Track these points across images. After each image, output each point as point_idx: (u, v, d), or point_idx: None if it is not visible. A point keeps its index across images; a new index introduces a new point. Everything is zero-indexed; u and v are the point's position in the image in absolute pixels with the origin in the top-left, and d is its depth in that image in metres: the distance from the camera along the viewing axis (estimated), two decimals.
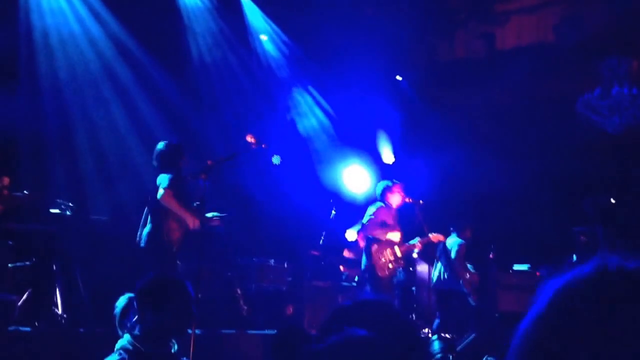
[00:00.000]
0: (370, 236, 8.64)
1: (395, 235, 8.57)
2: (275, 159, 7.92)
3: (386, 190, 8.77)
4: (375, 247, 8.55)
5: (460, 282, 9.57)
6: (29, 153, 9.11)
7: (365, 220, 8.67)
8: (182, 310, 3.77)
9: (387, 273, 8.49)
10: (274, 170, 11.00)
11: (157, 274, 5.44)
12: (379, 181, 9.36)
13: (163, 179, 7.00)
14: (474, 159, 11.71)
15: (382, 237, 8.52)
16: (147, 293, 3.83)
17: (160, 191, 6.91)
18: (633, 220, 10.42)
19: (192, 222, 7.07)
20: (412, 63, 12.26)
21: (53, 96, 9.61)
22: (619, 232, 10.24)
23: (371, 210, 8.69)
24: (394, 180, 8.91)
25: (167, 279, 4.11)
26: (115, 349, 3.81)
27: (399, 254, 8.60)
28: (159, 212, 7.02)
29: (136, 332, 3.83)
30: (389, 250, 8.52)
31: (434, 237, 8.96)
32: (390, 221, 8.66)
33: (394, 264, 8.52)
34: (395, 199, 8.74)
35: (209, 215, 7.30)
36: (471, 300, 9.57)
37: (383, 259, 8.48)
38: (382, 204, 8.73)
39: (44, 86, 9.63)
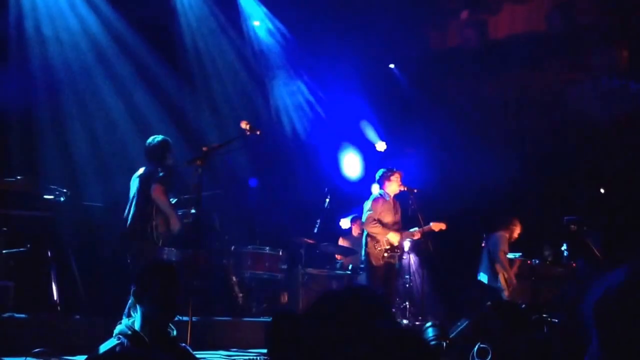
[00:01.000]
0: (366, 231, 8.66)
1: (394, 237, 8.55)
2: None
3: (384, 177, 8.74)
4: (370, 237, 8.57)
5: (498, 277, 9.72)
6: (22, 139, 9.05)
7: (364, 218, 8.67)
8: (170, 295, 3.85)
9: (381, 262, 8.50)
10: (269, 157, 11.02)
11: (149, 262, 5.51)
12: (371, 168, 9.28)
13: (153, 174, 6.99)
14: (466, 148, 11.75)
15: (380, 237, 8.51)
16: (139, 280, 3.94)
17: (153, 185, 6.90)
18: (624, 210, 10.50)
19: (175, 223, 7.02)
20: (404, 51, 12.24)
21: (45, 82, 9.53)
22: (610, 223, 10.32)
23: (368, 205, 8.68)
24: (392, 169, 8.83)
25: (156, 266, 4.24)
26: (113, 334, 3.85)
27: (395, 243, 8.59)
28: (149, 204, 6.96)
29: (133, 317, 3.89)
30: (384, 240, 8.53)
31: (435, 225, 8.91)
32: (388, 216, 8.62)
33: (389, 252, 8.51)
34: (392, 187, 8.69)
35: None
36: (504, 296, 9.68)
37: (378, 248, 8.48)
38: (377, 195, 8.72)
39: (36, 72, 9.55)
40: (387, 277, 8.53)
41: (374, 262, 8.48)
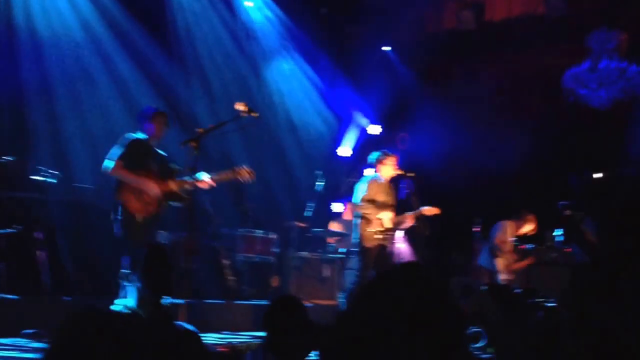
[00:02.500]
0: (359, 213, 8.55)
1: (386, 217, 8.39)
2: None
3: (377, 161, 8.57)
4: (362, 218, 8.49)
5: (494, 261, 9.76)
6: (11, 120, 8.96)
7: (356, 199, 8.57)
8: (161, 274, 4.00)
9: (374, 243, 8.42)
10: (263, 139, 10.96)
11: (148, 244, 5.51)
12: (367, 150, 9.10)
13: (112, 151, 6.82)
14: (461, 132, 11.70)
15: (371, 217, 8.36)
16: (131, 260, 4.01)
17: (105, 164, 6.75)
18: (618, 194, 10.49)
19: (149, 188, 6.74)
20: (400, 34, 12.15)
21: (35, 63, 9.43)
22: (602, 207, 10.32)
23: (359, 186, 8.56)
24: (387, 152, 8.66)
25: (150, 248, 4.25)
26: None
27: (386, 224, 8.43)
28: (115, 183, 6.77)
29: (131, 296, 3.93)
30: (376, 222, 8.43)
31: (427, 210, 8.78)
32: (381, 197, 8.48)
33: (382, 233, 8.43)
34: (386, 170, 8.53)
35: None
36: (498, 278, 9.70)
37: (370, 229, 8.40)
38: (370, 177, 8.59)
39: (26, 54, 9.44)
40: (379, 258, 8.38)
41: (366, 244, 8.37)
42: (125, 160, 6.74)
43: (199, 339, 4.26)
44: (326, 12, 12.16)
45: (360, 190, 8.51)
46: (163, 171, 6.96)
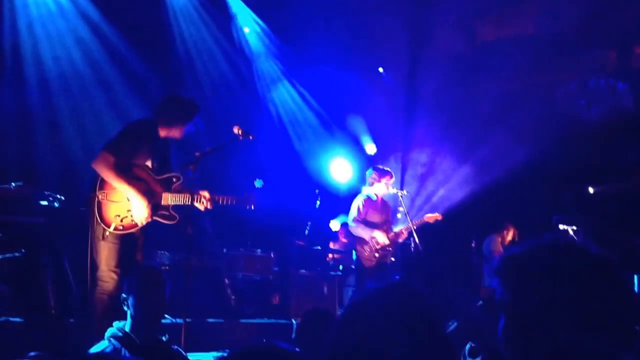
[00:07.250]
0: (354, 234, 8.64)
1: (381, 237, 8.45)
2: (258, 183, 7.76)
3: (372, 178, 8.66)
4: (358, 240, 8.57)
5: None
6: (17, 145, 9.11)
7: (350, 219, 8.66)
8: (157, 297, 3.89)
9: (373, 263, 8.48)
10: (261, 161, 11.11)
11: (144, 263, 5.42)
12: (364, 170, 9.17)
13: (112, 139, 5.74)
14: (456, 151, 11.82)
15: (366, 238, 8.44)
16: (129, 281, 3.99)
17: (97, 154, 5.75)
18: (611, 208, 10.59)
19: (136, 201, 5.76)
20: (394, 55, 12.31)
21: (39, 88, 9.62)
22: (596, 221, 10.41)
23: (354, 206, 8.63)
24: (381, 169, 8.76)
25: (145, 268, 4.27)
26: (105, 337, 3.90)
27: (383, 242, 8.50)
28: (94, 186, 5.90)
29: (125, 319, 3.94)
30: (373, 241, 8.52)
31: (430, 217, 8.77)
32: (375, 216, 8.57)
33: (380, 252, 8.52)
34: (380, 188, 8.62)
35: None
36: None
37: (368, 251, 8.46)
38: (364, 196, 8.67)
39: (30, 78, 9.63)
40: (379, 276, 8.41)
41: (365, 264, 8.45)
42: (117, 158, 5.71)
43: None
44: (323, 33, 12.33)
45: (354, 210, 8.62)
46: (161, 173, 6.26)
